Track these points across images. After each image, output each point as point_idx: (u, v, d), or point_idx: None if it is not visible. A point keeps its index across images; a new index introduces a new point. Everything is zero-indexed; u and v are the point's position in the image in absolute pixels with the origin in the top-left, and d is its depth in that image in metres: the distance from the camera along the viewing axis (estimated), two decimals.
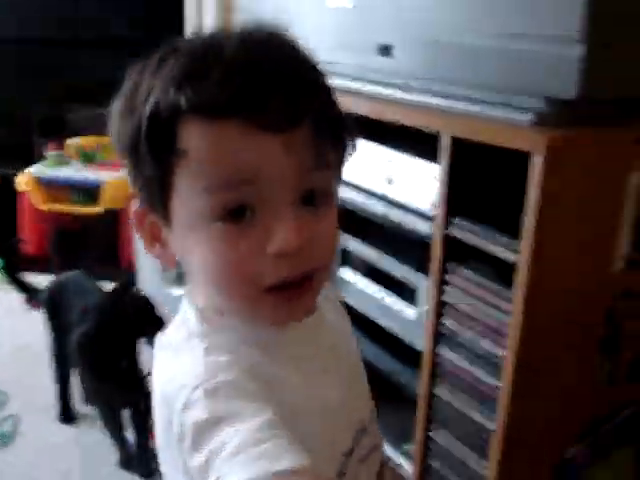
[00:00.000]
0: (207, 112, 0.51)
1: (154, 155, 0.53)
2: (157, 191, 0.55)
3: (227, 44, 0.53)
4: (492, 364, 1.17)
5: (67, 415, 1.87)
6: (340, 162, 0.59)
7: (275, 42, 0.55)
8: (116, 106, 0.57)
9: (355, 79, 1.36)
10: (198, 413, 0.51)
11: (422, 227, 1.26)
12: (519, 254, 1.06)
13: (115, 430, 1.65)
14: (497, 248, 1.11)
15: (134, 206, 0.60)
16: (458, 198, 1.17)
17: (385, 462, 0.73)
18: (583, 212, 1.12)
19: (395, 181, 1.32)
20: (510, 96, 1.05)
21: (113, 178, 2.62)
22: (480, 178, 1.15)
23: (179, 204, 0.55)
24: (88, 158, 2.78)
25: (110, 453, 1.70)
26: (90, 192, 2.65)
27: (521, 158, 1.00)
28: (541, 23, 0.99)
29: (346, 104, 0.60)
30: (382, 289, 1.41)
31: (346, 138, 0.58)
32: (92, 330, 1.57)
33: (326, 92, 0.57)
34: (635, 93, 1.06)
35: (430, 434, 1.33)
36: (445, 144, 1.13)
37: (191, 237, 0.55)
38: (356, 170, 1.36)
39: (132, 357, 1.63)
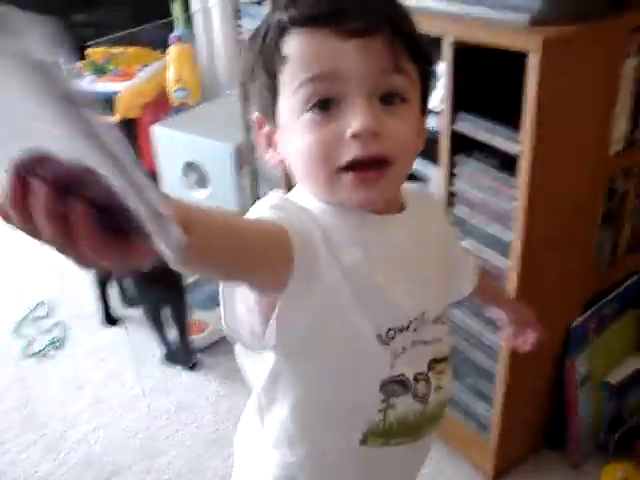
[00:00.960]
0: (301, 25, 0.62)
1: (266, 66, 0.65)
2: (268, 98, 0.66)
3: None
4: (501, 247, 1.27)
5: (110, 319, 2.01)
6: (422, 77, 0.68)
7: None
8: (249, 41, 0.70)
9: None
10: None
11: (430, 123, 1.33)
12: (521, 144, 1.14)
13: (159, 328, 1.79)
14: (500, 140, 1.19)
15: (254, 115, 0.72)
16: (462, 95, 1.24)
17: (448, 359, 0.79)
18: (580, 101, 1.19)
19: None
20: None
21: (126, 88, 2.64)
22: (482, 76, 1.20)
23: (283, 104, 0.65)
24: (99, 70, 2.79)
25: (154, 349, 1.86)
26: (105, 103, 2.69)
27: (521, 55, 1.06)
28: None
29: None
30: None
31: (425, 56, 0.68)
32: None
33: (403, 11, 0.66)
34: None
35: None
36: (447, 46, 1.19)
37: (289, 132, 0.65)
38: None
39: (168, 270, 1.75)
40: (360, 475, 0.76)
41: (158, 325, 1.80)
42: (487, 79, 1.20)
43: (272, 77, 0.65)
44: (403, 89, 0.64)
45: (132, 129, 2.74)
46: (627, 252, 1.54)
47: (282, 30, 0.63)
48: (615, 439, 1.52)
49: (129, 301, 1.99)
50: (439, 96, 1.27)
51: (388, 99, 0.63)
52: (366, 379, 0.70)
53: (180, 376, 1.82)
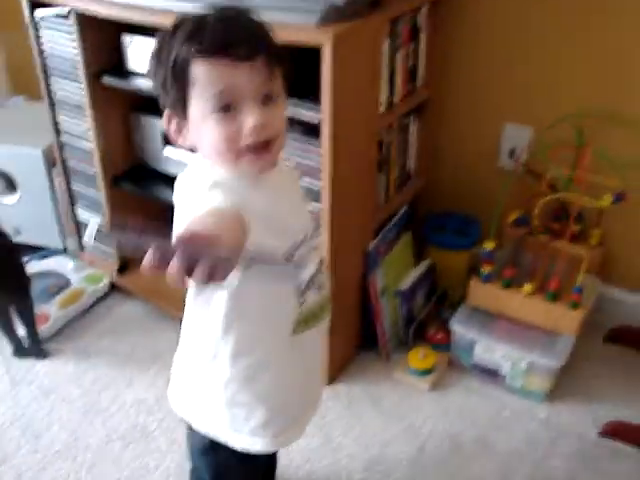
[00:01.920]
0: (204, 56, 0.88)
1: (177, 86, 0.91)
2: (180, 105, 0.93)
3: (212, 18, 0.90)
4: (314, 195, 1.62)
5: None
6: (284, 76, 0.96)
7: (240, 14, 0.93)
8: (151, 59, 0.95)
9: None
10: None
11: None
12: (321, 114, 1.50)
13: (8, 326, 1.93)
14: (305, 112, 1.55)
15: (165, 112, 0.97)
16: None
17: (324, 261, 1.14)
18: (359, 77, 1.58)
19: None
20: (298, 3, 1.46)
21: None
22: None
23: (194, 109, 0.92)
24: None
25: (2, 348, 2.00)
26: None
27: (315, 49, 1.41)
28: None
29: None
30: None
31: (285, 62, 0.96)
32: None
33: (271, 37, 0.95)
34: None
35: None
36: None
37: (202, 127, 0.92)
38: None
39: (12, 269, 1.90)
40: (295, 357, 1.09)
41: (7, 324, 1.94)
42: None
43: (182, 91, 0.92)
44: (276, 91, 0.94)
45: None
46: (395, 191, 2.00)
47: (188, 59, 0.89)
48: (411, 332, 1.99)
49: None
50: None
51: (267, 100, 0.92)
52: (288, 284, 1.01)
53: (35, 366, 1.97)
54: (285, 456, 1.59)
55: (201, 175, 0.96)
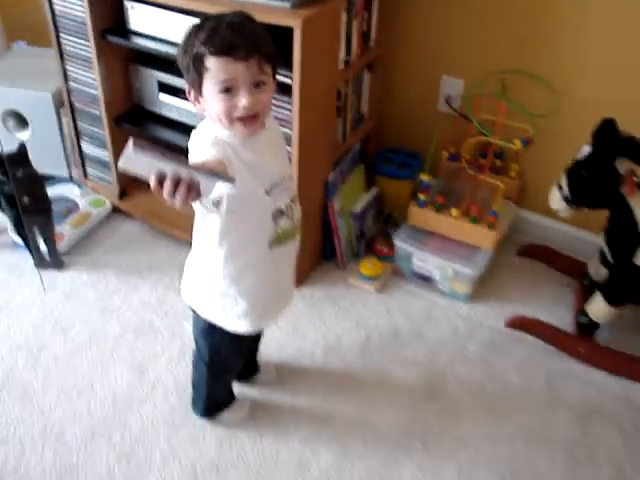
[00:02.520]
0: (215, 54, 1.24)
1: (196, 71, 1.27)
2: (197, 83, 1.29)
3: (223, 24, 1.25)
4: (287, 139, 2.02)
5: None
6: (274, 72, 1.33)
7: (244, 21, 1.29)
8: (179, 49, 1.31)
9: None
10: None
11: None
12: (292, 79, 1.90)
13: (32, 242, 2.34)
14: (279, 76, 1.94)
15: (187, 87, 1.34)
16: None
17: (296, 198, 1.51)
18: (323, 43, 1.97)
19: None
20: None
21: None
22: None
23: (206, 88, 1.28)
24: None
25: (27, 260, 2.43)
26: None
27: (289, 27, 1.81)
28: None
29: None
30: None
31: (275, 58, 1.32)
32: (8, 183, 2.19)
33: (267, 42, 1.29)
34: None
35: None
36: None
37: (210, 101, 1.29)
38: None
39: (36, 194, 2.29)
40: (272, 265, 1.50)
41: (32, 241, 2.35)
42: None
43: (199, 75, 1.29)
44: (265, 81, 1.30)
45: None
46: (350, 131, 2.42)
47: (204, 54, 1.25)
48: (362, 246, 2.46)
49: (15, 227, 2.44)
50: None
51: (257, 87, 1.28)
52: (266, 213, 1.41)
53: (56, 276, 2.40)
54: (262, 342, 2.06)
55: (207, 132, 1.34)
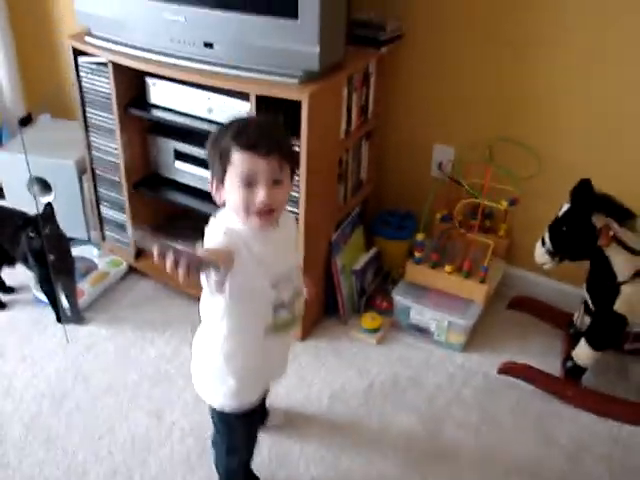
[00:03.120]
0: (240, 149, 1.34)
1: (221, 164, 1.37)
2: (220, 175, 1.38)
3: (249, 125, 1.40)
4: (294, 202, 2.23)
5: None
6: (292, 173, 1.44)
7: (268, 123, 1.49)
8: (209, 142, 1.42)
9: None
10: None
11: None
12: (299, 147, 2.11)
13: (55, 298, 2.51)
14: None
15: (210, 179, 1.44)
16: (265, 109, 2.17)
17: (301, 291, 1.59)
18: (328, 115, 2.20)
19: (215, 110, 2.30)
20: (286, 70, 2.06)
21: None
22: (274, 106, 2.14)
23: (228, 180, 1.37)
24: None
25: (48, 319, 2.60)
26: None
27: (297, 101, 2.03)
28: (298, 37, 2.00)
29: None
30: None
31: (294, 159, 1.48)
32: (37, 240, 2.36)
33: (286, 142, 1.43)
34: (337, 60, 2.14)
35: None
36: (252, 97, 2.11)
37: (231, 192, 1.37)
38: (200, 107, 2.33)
39: (62, 252, 2.47)
40: (265, 353, 1.57)
41: (55, 297, 2.52)
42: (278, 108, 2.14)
43: (223, 167, 1.37)
44: (283, 178, 1.38)
45: None
46: (351, 195, 2.62)
47: (231, 148, 1.34)
48: (363, 301, 2.63)
49: (40, 284, 2.60)
50: None
51: (275, 184, 1.36)
52: (267, 304, 1.47)
53: (77, 330, 2.55)
54: (279, 395, 2.20)
55: (222, 221, 1.43)
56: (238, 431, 1.72)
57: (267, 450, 2.06)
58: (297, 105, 2.02)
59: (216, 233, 1.39)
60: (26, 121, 3.25)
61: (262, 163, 1.34)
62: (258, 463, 1.97)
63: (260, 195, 1.35)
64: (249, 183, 1.36)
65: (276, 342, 1.57)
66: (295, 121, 2.06)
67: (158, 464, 2.02)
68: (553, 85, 2.35)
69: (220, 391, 1.59)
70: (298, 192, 2.18)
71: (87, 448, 2.07)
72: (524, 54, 2.35)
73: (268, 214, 1.39)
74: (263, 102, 2.11)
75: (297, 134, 2.07)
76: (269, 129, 1.43)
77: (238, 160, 1.35)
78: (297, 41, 2.00)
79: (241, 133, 1.36)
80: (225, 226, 1.40)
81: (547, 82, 2.36)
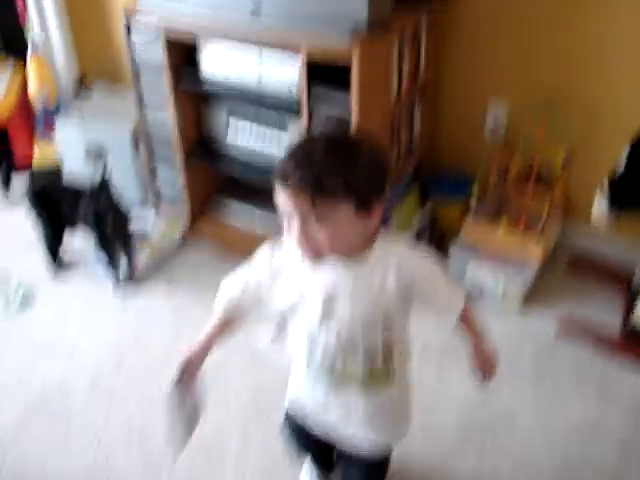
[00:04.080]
0: (275, 178, 1.16)
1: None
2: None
3: (298, 150, 1.18)
4: None
5: (59, 267, 2.76)
6: (354, 200, 1.15)
7: (329, 148, 1.16)
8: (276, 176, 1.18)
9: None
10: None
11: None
12: (351, 102, 2.10)
13: (115, 266, 2.59)
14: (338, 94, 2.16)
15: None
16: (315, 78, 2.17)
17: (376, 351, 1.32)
18: (377, 75, 2.18)
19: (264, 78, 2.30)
20: (336, 27, 2.05)
21: None
22: (326, 68, 2.14)
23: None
24: None
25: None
26: None
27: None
28: None
29: None
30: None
31: (359, 198, 1.16)
32: (96, 202, 2.45)
33: (336, 177, 1.12)
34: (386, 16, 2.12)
35: None
36: (303, 54, 2.11)
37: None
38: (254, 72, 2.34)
39: (119, 215, 2.55)
40: (312, 389, 1.44)
41: (116, 265, 2.59)
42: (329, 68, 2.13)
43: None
44: (324, 215, 1.14)
45: (5, 137, 3.33)
46: (405, 158, 2.60)
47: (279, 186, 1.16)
48: None
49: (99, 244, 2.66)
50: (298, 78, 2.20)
51: (318, 218, 1.15)
52: (303, 335, 1.35)
53: (135, 297, 2.62)
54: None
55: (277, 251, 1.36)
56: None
57: None
58: (347, 69, 2.02)
59: (260, 255, 1.38)
60: (81, 84, 3.30)
61: (291, 198, 1.16)
62: None
63: (293, 232, 1.19)
64: (288, 217, 1.20)
65: (331, 390, 1.41)
66: (346, 83, 2.06)
67: (215, 424, 2.05)
68: (605, 37, 2.30)
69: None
70: None
71: (146, 408, 2.13)
72: (578, 5, 2.30)
73: (311, 253, 1.21)
74: (313, 69, 2.14)
75: (348, 92, 2.07)
76: (317, 156, 1.16)
77: (282, 196, 1.19)
78: None
79: (283, 159, 1.19)
80: (276, 254, 1.35)
81: (600, 34, 2.30)
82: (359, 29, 2.03)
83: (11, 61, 3.41)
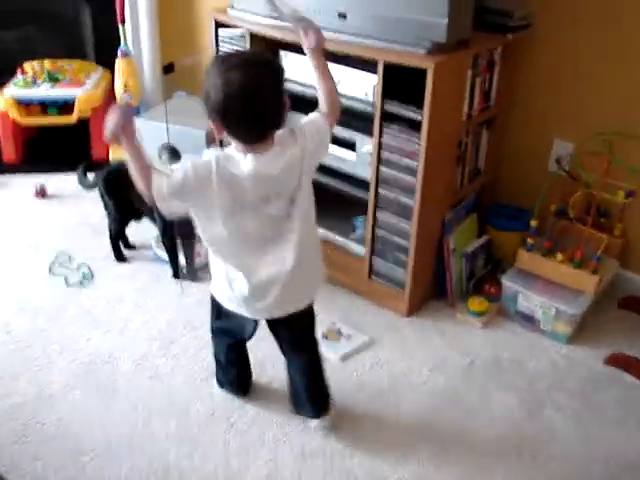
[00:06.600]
0: None
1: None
2: (221, 121, 1.57)
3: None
4: (410, 172, 2.29)
5: (121, 258, 2.85)
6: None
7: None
8: (205, 87, 1.57)
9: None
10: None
11: (366, 108, 2.35)
12: (422, 116, 2.17)
13: (175, 256, 2.67)
14: (411, 113, 2.22)
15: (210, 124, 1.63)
16: (389, 89, 2.26)
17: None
18: (450, 93, 2.24)
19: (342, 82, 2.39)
20: (415, 41, 2.14)
21: (81, 93, 3.43)
22: (401, 79, 2.22)
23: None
24: (53, 79, 3.51)
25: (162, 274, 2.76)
26: (64, 105, 3.47)
27: (423, 70, 2.09)
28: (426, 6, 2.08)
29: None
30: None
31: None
32: None
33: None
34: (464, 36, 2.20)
35: (377, 214, 2.46)
36: (380, 65, 2.20)
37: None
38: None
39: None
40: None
41: (175, 255, 2.67)
42: (404, 80, 2.22)
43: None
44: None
45: (86, 128, 3.50)
46: (468, 181, 2.65)
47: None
48: (472, 284, 2.63)
49: (162, 239, 2.75)
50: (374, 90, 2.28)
51: None
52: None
53: (191, 286, 2.69)
54: (381, 362, 2.24)
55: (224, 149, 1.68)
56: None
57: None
58: (423, 79, 2.09)
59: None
60: (169, 69, 3.44)
61: None
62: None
63: None
64: None
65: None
66: (420, 94, 2.13)
67: (255, 409, 2.10)
68: None
69: (219, 289, 1.89)
70: (416, 161, 2.23)
71: (189, 388, 2.18)
72: None
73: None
74: (390, 77, 2.22)
75: (418, 103, 2.15)
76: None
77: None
78: (427, 12, 2.09)
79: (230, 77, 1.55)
80: (220, 151, 1.68)
81: None
82: (438, 46, 2.12)
83: (101, 69, 3.63)
